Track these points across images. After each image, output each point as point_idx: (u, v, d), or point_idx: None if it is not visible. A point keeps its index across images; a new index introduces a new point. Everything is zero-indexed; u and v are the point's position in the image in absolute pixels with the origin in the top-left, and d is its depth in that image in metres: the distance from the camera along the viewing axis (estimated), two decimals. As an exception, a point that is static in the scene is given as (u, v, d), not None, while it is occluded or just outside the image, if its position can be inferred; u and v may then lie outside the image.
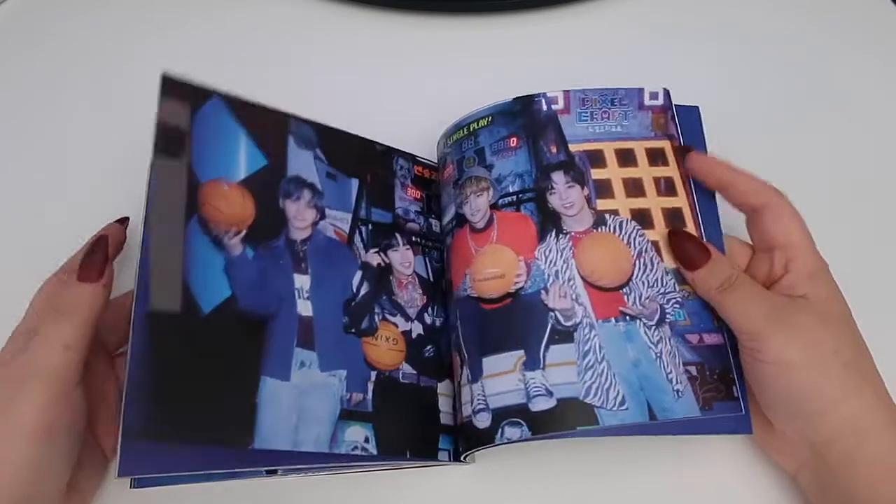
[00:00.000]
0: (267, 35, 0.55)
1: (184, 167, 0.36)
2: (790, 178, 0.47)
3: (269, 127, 0.40)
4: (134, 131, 0.40)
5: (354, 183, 0.42)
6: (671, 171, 0.41)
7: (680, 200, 0.41)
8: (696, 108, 0.43)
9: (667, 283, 0.39)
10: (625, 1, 0.59)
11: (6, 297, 0.35)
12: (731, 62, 0.55)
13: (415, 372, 0.39)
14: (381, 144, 0.44)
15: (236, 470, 0.33)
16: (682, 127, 0.42)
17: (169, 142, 0.35)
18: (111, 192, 0.43)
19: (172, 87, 0.37)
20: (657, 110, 0.43)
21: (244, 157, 0.38)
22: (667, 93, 0.43)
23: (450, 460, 0.39)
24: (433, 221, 0.45)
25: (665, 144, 0.42)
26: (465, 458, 0.39)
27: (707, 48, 0.56)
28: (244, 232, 0.36)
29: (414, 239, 0.43)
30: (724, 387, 0.37)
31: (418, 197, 0.45)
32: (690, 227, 0.40)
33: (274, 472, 0.35)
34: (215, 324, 0.34)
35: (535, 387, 0.37)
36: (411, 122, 0.48)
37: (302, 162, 0.40)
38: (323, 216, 0.40)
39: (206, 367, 0.33)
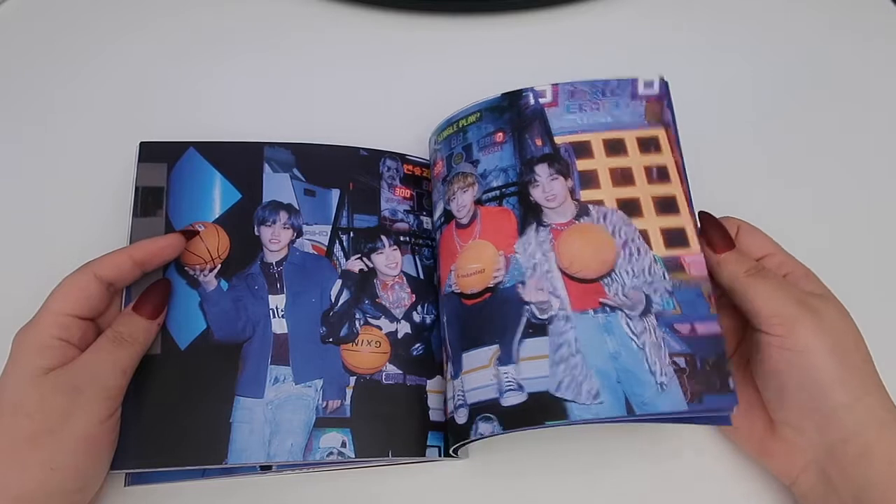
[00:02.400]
0: (264, 34, 0.56)
1: (161, 221, 0.41)
2: (790, 177, 0.50)
3: (243, 161, 0.43)
4: (134, 130, 0.45)
5: (335, 194, 0.44)
6: (665, 158, 0.40)
7: (674, 188, 0.39)
8: (665, 82, 0.41)
9: (655, 272, 0.37)
10: (619, 2, 0.58)
11: (5, 298, 0.38)
12: (729, 63, 0.55)
13: (400, 372, 0.40)
14: (365, 149, 0.45)
15: (229, 466, 0.37)
16: None
17: (146, 203, 0.41)
18: (111, 191, 0.45)
19: (149, 151, 0.42)
20: (652, 99, 0.41)
21: (219, 197, 0.42)
22: (663, 82, 0.41)
23: (440, 456, 0.39)
24: (424, 219, 0.45)
25: (660, 133, 0.40)
26: (455, 454, 0.39)
27: (706, 49, 0.56)
28: (219, 267, 0.40)
29: (402, 238, 0.43)
30: (719, 379, 0.35)
31: (408, 196, 0.45)
32: (685, 215, 0.38)
33: (268, 468, 0.39)
34: (193, 356, 0.38)
35: (508, 381, 0.36)
36: (410, 121, 0.48)
37: (278, 185, 0.43)
38: (300, 234, 0.42)
39: (185, 397, 0.37)
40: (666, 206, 0.38)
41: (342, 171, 0.44)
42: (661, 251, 0.37)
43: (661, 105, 0.41)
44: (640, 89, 0.41)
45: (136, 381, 0.37)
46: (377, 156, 0.45)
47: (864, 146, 0.51)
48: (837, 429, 0.34)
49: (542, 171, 0.40)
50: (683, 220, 0.38)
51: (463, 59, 0.55)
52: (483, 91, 0.43)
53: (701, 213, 0.39)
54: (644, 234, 0.38)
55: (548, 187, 0.39)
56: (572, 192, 0.39)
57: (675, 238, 0.37)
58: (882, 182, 0.50)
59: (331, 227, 0.43)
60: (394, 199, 0.45)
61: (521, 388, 0.35)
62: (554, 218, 0.39)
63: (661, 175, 0.39)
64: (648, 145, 0.40)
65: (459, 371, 0.38)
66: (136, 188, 0.41)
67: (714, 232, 0.38)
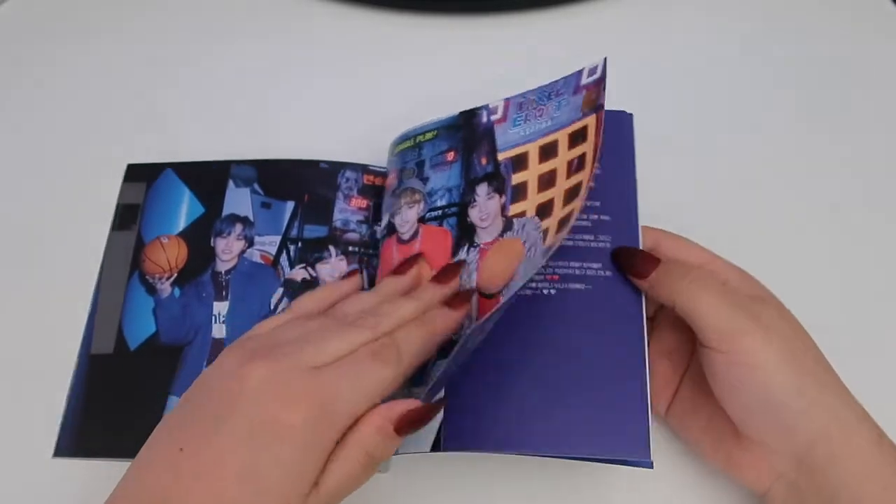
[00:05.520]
0: (260, 34, 0.57)
1: (133, 234, 0.45)
2: (788, 178, 0.48)
3: (212, 178, 0.46)
4: (134, 130, 0.47)
5: (289, 206, 0.45)
6: (586, 146, 0.36)
7: (583, 175, 0.35)
8: (630, 115, 0.40)
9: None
10: (619, 2, 0.57)
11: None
12: (728, 63, 0.54)
13: (326, 380, 0.40)
14: (326, 162, 0.46)
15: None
16: (608, 134, 0.36)
17: (123, 218, 0.45)
18: (111, 192, 0.46)
19: (133, 172, 0.47)
20: (591, 87, 0.37)
21: (185, 211, 0.45)
22: (605, 64, 0.37)
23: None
24: (378, 229, 0.45)
25: (589, 121, 0.37)
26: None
27: (705, 49, 0.55)
28: (175, 275, 0.44)
29: (351, 249, 0.44)
30: None
31: (364, 206, 0.45)
32: (579, 201, 0.34)
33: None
34: (140, 356, 0.42)
35: None
36: (400, 123, 0.46)
37: (238, 199, 0.45)
38: (251, 244, 0.44)
39: (126, 394, 0.41)
40: (571, 195, 0.35)
41: (299, 184, 0.46)
42: (552, 241, 0.34)
43: (598, 89, 0.37)
44: (584, 79, 0.38)
45: (86, 376, 0.41)
46: (337, 168, 0.46)
47: (864, 147, 0.50)
48: (801, 433, 0.32)
49: (481, 190, 0.39)
50: (574, 207, 0.34)
51: (461, 60, 0.54)
52: (484, 92, 0.43)
53: (614, 253, 0.36)
54: (545, 232, 0.35)
55: (483, 207, 0.38)
56: (503, 208, 0.38)
57: (563, 226, 0.34)
58: (883, 183, 0.48)
59: (280, 237, 0.44)
60: (347, 210, 0.45)
61: None
62: (484, 237, 0.37)
63: (579, 165, 0.36)
64: (577, 139, 0.37)
65: None
66: (117, 205, 0.46)
67: (633, 260, 0.35)
